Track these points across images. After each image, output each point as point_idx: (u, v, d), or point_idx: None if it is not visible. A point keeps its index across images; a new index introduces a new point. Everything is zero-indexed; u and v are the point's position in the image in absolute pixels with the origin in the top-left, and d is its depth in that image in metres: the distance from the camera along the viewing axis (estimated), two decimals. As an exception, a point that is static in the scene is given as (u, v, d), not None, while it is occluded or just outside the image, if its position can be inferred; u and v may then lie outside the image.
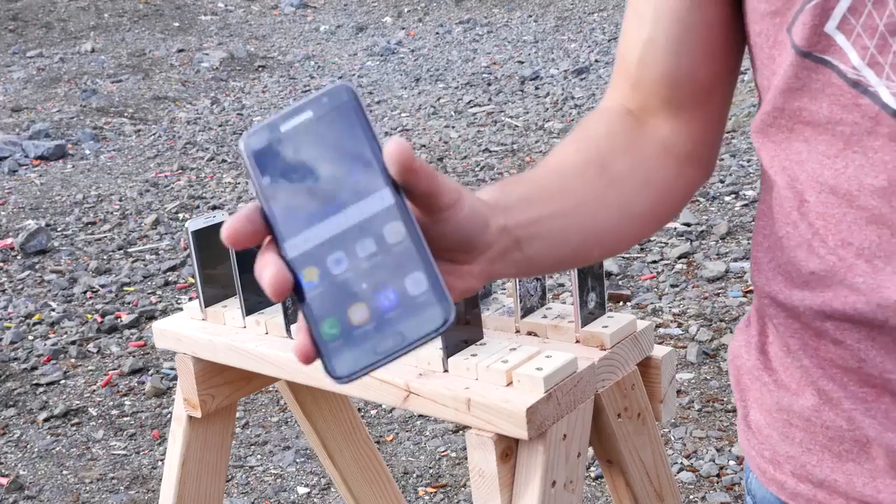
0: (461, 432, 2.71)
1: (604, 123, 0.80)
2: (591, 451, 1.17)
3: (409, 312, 0.52)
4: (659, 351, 1.19)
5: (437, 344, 1.12)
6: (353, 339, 0.52)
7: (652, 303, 3.36)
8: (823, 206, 0.68)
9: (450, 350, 1.10)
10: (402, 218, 0.53)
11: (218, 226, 1.34)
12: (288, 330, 1.25)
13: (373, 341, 0.52)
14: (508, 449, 1.03)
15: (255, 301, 1.31)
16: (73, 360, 3.35)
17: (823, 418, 0.72)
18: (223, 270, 1.34)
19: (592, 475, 2.43)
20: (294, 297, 0.53)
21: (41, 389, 3.17)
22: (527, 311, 1.20)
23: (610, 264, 3.60)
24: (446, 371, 1.10)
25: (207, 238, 1.34)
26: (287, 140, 0.54)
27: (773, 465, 0.78)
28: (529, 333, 1.19)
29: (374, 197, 0.54)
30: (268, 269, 0.52)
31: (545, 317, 1.19)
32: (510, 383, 1.05)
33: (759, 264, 0.75)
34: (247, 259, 1.30)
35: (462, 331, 1.12)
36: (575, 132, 0.79)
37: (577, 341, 1.14)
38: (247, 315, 1.30)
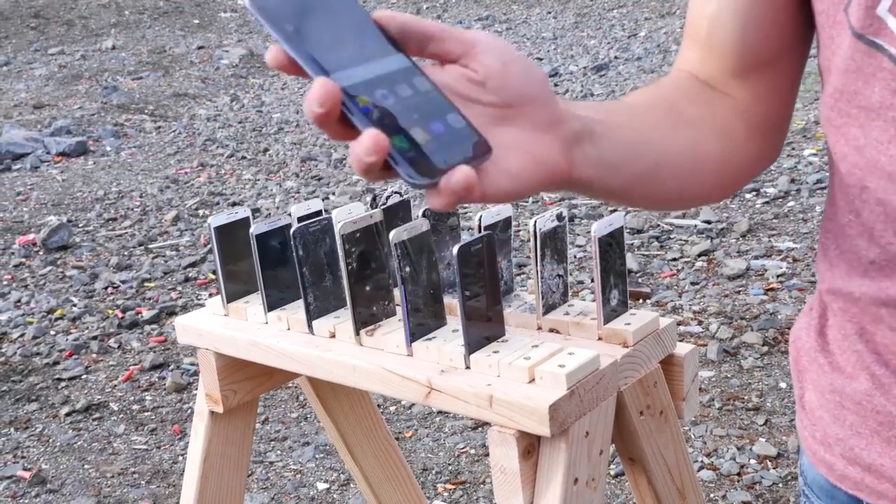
0: (480, 429, 2.71)
1: (674, 80, 0.81)
2: (611, 448, 1.17)
3: (460, 139, 0.59)
4: (682, 348, 1.18)
5: (459, 341, 1.12)
6: (423, 152, 0.58)
7: (672, 300, 3.35)
8: (883, 193, 0.68)
9: (472, 347, 1.10)
10: (423, 75, 0.60)
11: (240, 222, 1.35)
12: (310, 326, 1.25)
13: (440, 154, 0.58)
14: (531, 446, 1.03)
15: (277, 297, 1.31)
16: (94, 356, 3.38)
17: (875, 403, 0.73)
18: (245, 266, 1.35)
19: (612, 473, 2.42)
20: (347, 120, 0.58)
21: (63, 384, 3.20)
22: (549, 308, 1.20)
23: (629, 261, 3.59)
24: (468, 368, 1.10)
25: (229, 234, 1.34)
26: (297, 1, 0.60)
27: (824, 446, 0.78)
28: (551, 330, 1.18)
29: (391, 58, 0.60)
30: (315, 85, 0.56)
31: (567, 314, 1.19)
32: (532, 380, 1.04)
33: (826, 250, 0.75)
34: (269, 255, 1.30)
35: (484, 327, 1.11)
36: (646, 84, 0.82)
37: (600, 338, 1.14)
38: (269, 311, 1.31)
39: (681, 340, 1.20)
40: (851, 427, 0.75)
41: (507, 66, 0.61)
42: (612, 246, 1.15)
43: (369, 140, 0.55)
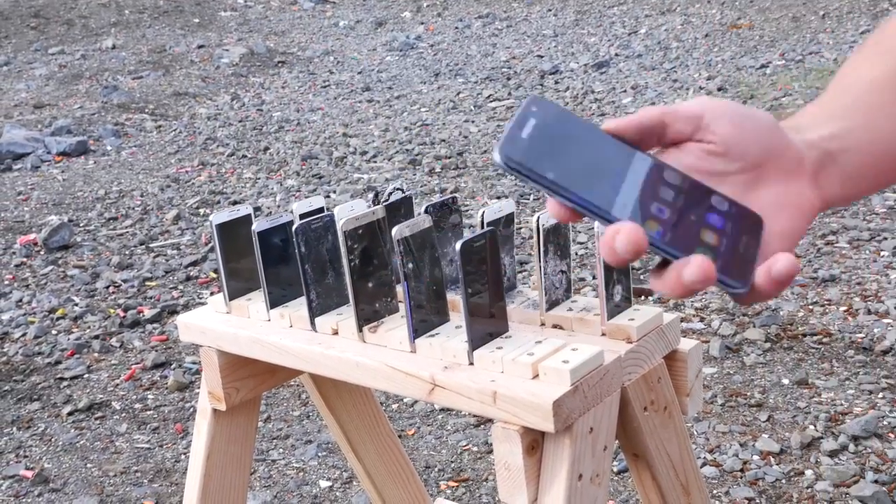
0: (482, 426, 2.70)
1: None
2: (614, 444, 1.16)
3: (735, 221, 0.59)
4: (685, 344, 1.18)
5: (462, 337, 1.11)
6: (725, 254, 0.58)
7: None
8: None
9: (475, 343, 1.10)
10: (671, 168, 0.61)
11: (242, 219, 1.35)
12: (312, 323, 1.25)
13: (736, 253, 0.59)
14: (535, 442, 1.03)
15: (279, 294, 1.31)
16: (96, 355, 3.38)
17: None
18: (247, 264, 1.35)
19: (615, 469, 2.42)
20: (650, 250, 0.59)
21: (65, 383, 3.20)
22: (552, 304, 1.19)
23: (631, 258, 3.58)
24: (472, 364, 1.09)
25: (231, 231, 1.34)
26: (534, 141, 0.61)
27: None
28: (555, 326, 1.18)
29: (635, 160, 0.61)
30: (621, 233, 0.56)
31: (570, 310, 1.19)
32: (536, 376, 1.04)
33: None
34: (271, 252, 1.30)
35: (487, 324, 1.11)
36: (872, 42, 0.75)
37: (603, 334, 1.14)
38: (271, 308, 1.30)
39: (683, 337, 1.20)
40: None
41: (740, 126, 0.60)
42: (615, 241, 1.14)
43: (700, 272, 0.55)
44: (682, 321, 3.13)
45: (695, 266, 0.54)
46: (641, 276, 3.54)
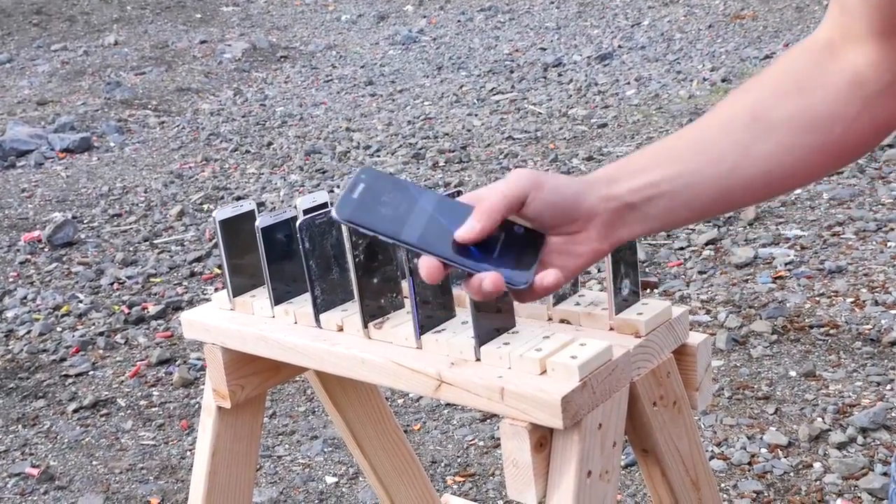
0: (489, 421, 2.69)
1: (786, 62, 0.85)
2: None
3: (523, 238, 0.84)
4: (694, 338, 1.17)
5: (469, 332, 1.10)
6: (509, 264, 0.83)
7: (679, 290, 3.33)
8: None
9: (482, 338, 1.08)
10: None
11: (245, 215, 1.33)
12: (317, 319, 1.24)
13: (519, 261, 0.83)
14: (543, 438, 1.01)
15: (283, 290, 1.30)
16: (101, 352, 3.37)
17: None
18: (251, 260, 1.33)
19: (622, 463, 2.41)
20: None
21: (70, 380, 3.19)
22: (559, 299, 1.18)
23: (637, 251, 3.57)
24: (478, 360, 1.08)
25: (235, 227, 1.33)
26: (362, 200, 0.84)
27: None
28: (562, 321, 1.17)
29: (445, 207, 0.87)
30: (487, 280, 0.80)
31: (578, 304, 1.17)
32: (544, 372, 1.03)
33: None
34: (275, 249, 1.28)
35: (494, 319, 1.10)
36: (755, 77, 0.85)
37: (611, 329, 1.13)
38: (275, 305, 1.29)
39: (690, 330, 1.18)
40: None
41: (545, 202, 0.81)
42: (622, 235, 1.13)
43: (491, 284, 0.78)
44: (689, 314, 3.12)
45: (489, 278, 0.78)
46: (646, 269, 3.52)
